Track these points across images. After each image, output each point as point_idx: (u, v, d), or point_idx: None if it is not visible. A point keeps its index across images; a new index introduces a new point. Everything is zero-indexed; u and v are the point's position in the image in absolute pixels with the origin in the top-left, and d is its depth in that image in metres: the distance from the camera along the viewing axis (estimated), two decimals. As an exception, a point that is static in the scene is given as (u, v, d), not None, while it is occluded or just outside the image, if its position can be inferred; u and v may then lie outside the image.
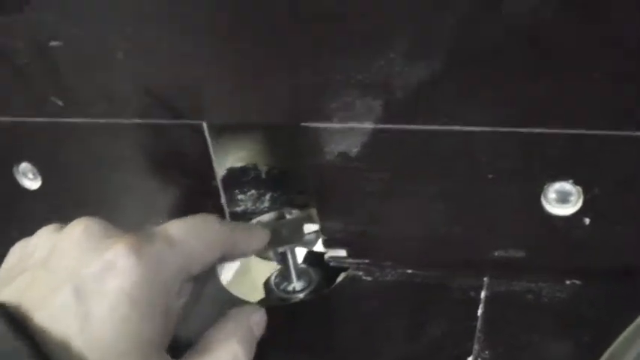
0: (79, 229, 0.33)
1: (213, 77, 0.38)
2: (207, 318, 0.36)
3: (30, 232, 0.45)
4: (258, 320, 0.37)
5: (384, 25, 0.34)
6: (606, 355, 0.33)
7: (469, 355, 0.36)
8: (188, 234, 0.34)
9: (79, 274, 0.31)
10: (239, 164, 0.47)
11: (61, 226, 0.35)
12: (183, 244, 0.33)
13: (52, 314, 0.30)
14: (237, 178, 0.47)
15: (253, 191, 0.47)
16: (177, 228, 0.34)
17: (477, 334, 0.37)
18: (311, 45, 0.36)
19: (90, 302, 0.30)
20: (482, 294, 0.40)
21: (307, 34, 0.35)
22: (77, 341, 0.29)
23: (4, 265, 0.36)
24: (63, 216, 0.44)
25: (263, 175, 0.48)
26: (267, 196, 0.47)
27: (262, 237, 0.40)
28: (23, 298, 0.31)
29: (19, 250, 0.36)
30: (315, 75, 0.36)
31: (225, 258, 0.37)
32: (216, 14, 0.36)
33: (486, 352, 0.36)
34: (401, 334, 0.38)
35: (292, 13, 0.35)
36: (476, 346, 0.37)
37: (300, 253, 0.46)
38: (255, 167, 0.48)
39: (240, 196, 0.47)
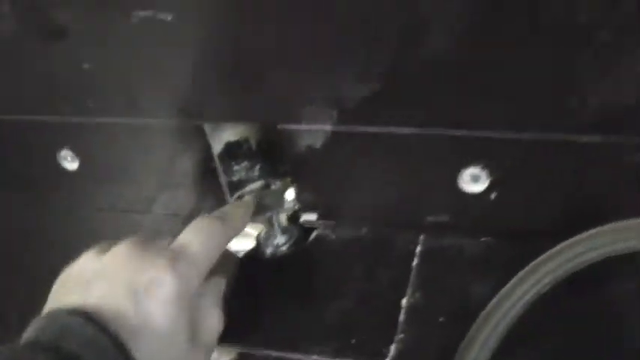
0: (123, 251, 0.42)
1: (212, 91, 0.50)
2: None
3: (71, 204, 0.58)
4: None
5: (333, 58, 0.45)
6: (497, 297, 0.45)
7: (403, 297, 0.49)
8: (203, 246, 0.44)
9: (133, 283, 0.40)
10: (234, 138, 0.59)
11: (103, 249, 0.44)
12: (202, 255, 0.43)
13: (116, 313, 0.39)
14: (233, 152, 0.59)
15: (246, 162, 0.59)
16: (196, 242, 0.43)
17: (411, 280, 0.50)
18: (283, 70, 0.47)
19: (146, 306, 0.40)
20: (418, 249, 0.52)
21: (280, 62, 0.47)
22: (141, 335, 0.39)
23: (54, 286, 0.43)
24: (96, 189, 0.57)
25: (254, 148, 0.59)
26: (258, 167, 0.59)
27: (249, 212, 0.50)
28: (86, 302, 0.39)
29: (67, 272, 0.44)
30: (287, 91, 0.48)
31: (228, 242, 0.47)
32: (212, 49, 0.48)
33: (416, 295, 0.49)
34: (355, 280, 0.51)
35: (265, 52, 0.46)
36: (409, 290, 0.49)
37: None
38: (247, 141, 0.59)
39: (235, 167, 0.59)
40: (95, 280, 0.42)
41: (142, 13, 0.47)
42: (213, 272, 0.46)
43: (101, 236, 0.47)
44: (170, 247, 0.44)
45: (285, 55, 0.46)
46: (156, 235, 0.47)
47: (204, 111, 0.51)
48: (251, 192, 0.56)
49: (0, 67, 0.54)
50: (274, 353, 0.48)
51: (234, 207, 0.50)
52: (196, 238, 0.45)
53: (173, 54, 0.48)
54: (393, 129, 0.48)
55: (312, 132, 0.50)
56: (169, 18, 0.46)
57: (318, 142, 0.50)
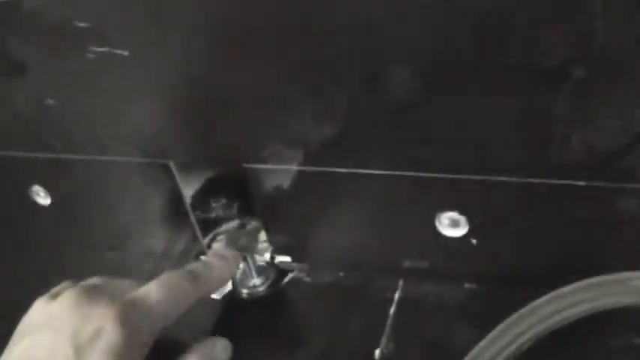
0: (71, 298, 0.41)
1: (173, 128, 0.48)
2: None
3: (47, 236, 0.56)
4: (222, 349, 0.44)
5: (295, 99, 0.43)
6: (470, 354, 0.42)
7: (377, 348, 0.46)
8: (163, 301, 0.41)
9: (77, 336, 0.38)
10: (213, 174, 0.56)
11: (52, 296, 0.42)
12: (160, 311, 0.41)
13: None
14: (212, 188, 0.56)
15: (224, 200, 0.57)
16: (155, 295, 0.41)
17: (387, 329, 0.47)
18: (245, 109, 0.45)
19: (86, 357, 0.38)
20: (396, 295, 0.49)
21: (240, 104, 0.44)
22: None
23: (11, 340, 0.42)
24: (70, 225, 0.55)
25: (233, 186, 0.57)
26: (236, 205, 0.57)
27: (230, 269, 0.47)
28: (30, 355, 0.39)
29: (21, 324, 0.42)
30: (250, 131, 0.46)
31: (198, 301, 0.45)
32: (170, 87, 0.46)
33: (391, 345, 0.46)
34: (327, 327, 0.48)
35: (226, 90, 0.44)
36: (384, 340, 0.46)
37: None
38: (226, 178, 0.57)
39: (213, 204, 0.56)
40: (42, 331, 0.40)
41: (98, 49, 0.45)
42: (193, 317, 0.44)
43: (74, 274, 0.45)
44: (126, 296, 0.42)
45: (247, 94, 0.44)
46: (116, 281, 0.45)
47: (166, 150, 0.49)
48: (226, 231, 0.54)
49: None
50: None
51: (214, 266, 0.47)
52: (158, 291, 0.42)
53: (131, 91, 0.46)
54: (360, 170, 0.45)
55: (279, 172, 0.47)
56: (126, 54, 0.44)
57: (285, 183, 0.48)
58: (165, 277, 0.43)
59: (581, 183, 0.40)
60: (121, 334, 0.39)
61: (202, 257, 0.49)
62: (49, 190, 0.56)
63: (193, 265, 0.46)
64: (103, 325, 0.39)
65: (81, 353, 0.38)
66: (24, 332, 0.42)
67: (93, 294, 0.41)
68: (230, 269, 0.48)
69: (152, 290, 0.42)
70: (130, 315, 0.40)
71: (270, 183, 0.48)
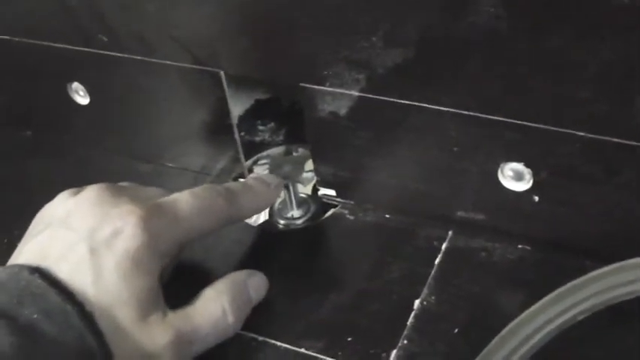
0: (94, 194, 0.38)
1: (228, 35, 0.44)
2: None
3: (81, 139, 0.54)
4: (256, 284, 0.42)
5: (367, 14, 0.39)
6: (519, 318, 0.39)
7: (417, 298, 0.43)
8: (193, 211, 0.39)
9: (94, 236, 0.36)
10: (264, 96, 0.53)
11: (77, 191, 0.40)
12: (187, 220, 0.38)
13: (71, 267, 0.36)
14: (261, 110, 0.53)
15: (273, 124, 0.53)
16: (185, 204, 0.39)
17: (429, 280, 0.44)
18: (307, 20, 0.41)
19: (101, 259, 0.36)
20: (444, 245, 0.45)
21: (305, 13, 0.41)
22: (92, 289, 0.35)
23: (31, 225, 0.41)
24: (106, 128, 0.52)
25: (283, 109, 0.54)
26: (284, 130, 0.54)
27: (271, 197, 0.45)
28: (44, 252, 0.37)
29: (41, 213, 0.41)
30: (310, 46, 0.42)
31: (231, 223, 0.42)
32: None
33: (432, 297, 0.43)
34: (365, 270, 0.45)
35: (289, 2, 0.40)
36: (425, 291, 0.43)
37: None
38: (277, 100, 0.54)
39: (260, 127, 0.53)
40: (58, 227, 0.38)
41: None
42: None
43: (103, 181, 0.42)
44: (153, 200, 0.39)
45: (311, 6, 0.40)
46: (146, 187, 0.42)
47: (219, 58, 0.45)
48: (268, 156, 0.51)
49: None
50: (260, 337, 0.42)
51: (254, 190, 0.44)
52: (189, 201, 0.39)
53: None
54: (426, 105, 0.41)
55: (337, 96, 0.43)
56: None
57: (342, 109, 0.44)
58: (199, 189, 0.40)
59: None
60: (141, 238, 0.36)
61: (246, 179, 0.46)
62: (89, 89, 0.53)
63: (233, 185, 0.44)
64: (121, 226, 0.37)
65: (96, 254, 0.36)
66: (42, 223, 0.39)
67: (117, 193, 0.39)
68: (270, 197, 0.45)
69: (182, 199, 0.39)
70: (152, 219, 0.37)
71: (326, 107, 0.44)
